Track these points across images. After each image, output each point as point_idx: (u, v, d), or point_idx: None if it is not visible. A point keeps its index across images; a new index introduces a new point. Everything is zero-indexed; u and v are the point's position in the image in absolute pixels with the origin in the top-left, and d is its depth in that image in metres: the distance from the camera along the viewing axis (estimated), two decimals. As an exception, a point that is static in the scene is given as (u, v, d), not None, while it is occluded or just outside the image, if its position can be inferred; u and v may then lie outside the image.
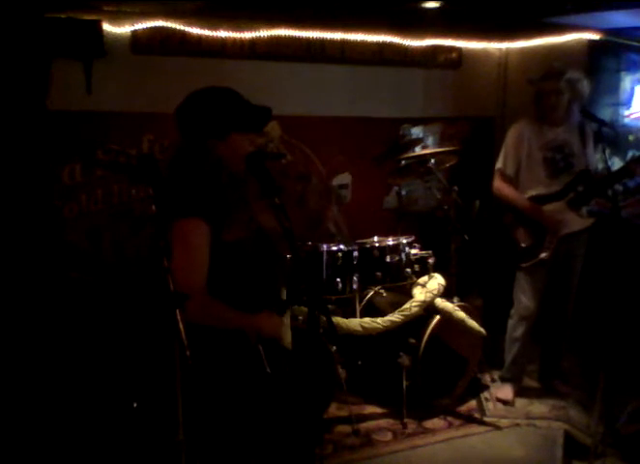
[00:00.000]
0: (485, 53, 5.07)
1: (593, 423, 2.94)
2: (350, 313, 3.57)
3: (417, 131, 4.91)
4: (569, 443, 3.20)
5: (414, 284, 3.63)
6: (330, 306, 3.59)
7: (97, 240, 3.85)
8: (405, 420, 3.38)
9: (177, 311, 1.66)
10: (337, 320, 3.35)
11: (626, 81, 4.63)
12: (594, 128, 3.36)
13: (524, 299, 3.55)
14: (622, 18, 3.94)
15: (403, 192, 3.90)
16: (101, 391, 3.08)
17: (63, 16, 3.46)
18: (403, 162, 3.73)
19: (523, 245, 3.44)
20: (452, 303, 3.53)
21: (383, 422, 3.43)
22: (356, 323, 3.40)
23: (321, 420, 3.19)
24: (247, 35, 4.12)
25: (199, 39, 4.02)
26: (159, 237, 1.75)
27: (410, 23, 4.23)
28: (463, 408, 3.59)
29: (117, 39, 3.76)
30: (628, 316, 3.50)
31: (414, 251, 3.69)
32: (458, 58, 5.02)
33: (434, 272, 3.70)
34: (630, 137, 4.53)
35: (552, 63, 3.43)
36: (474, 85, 5.06)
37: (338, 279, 3.45)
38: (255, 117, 2.16)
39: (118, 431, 2.91)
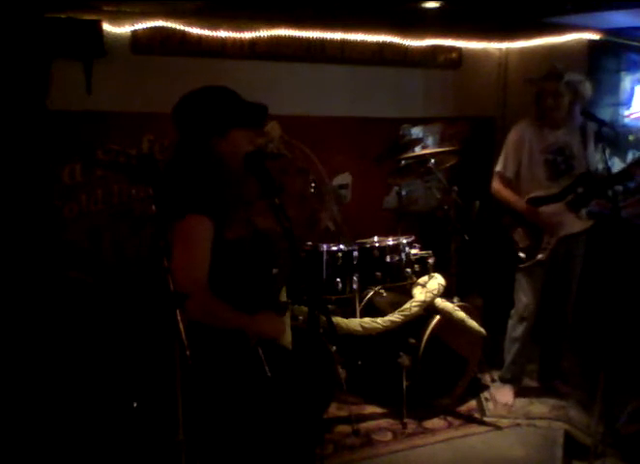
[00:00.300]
0: (485, 53, 5.08)
1: (593, 423, 2.94)
2: (350, 313, 3.57)
3: (417, 131, 4.91)
4: (569, 443, 3.20)
5: (414, 284, 3.63)
6: (330, 306, 3.59)
7: (97, 240, 3.85)
8: (405, 420, 3.38)
9: (177, 311, 1.66)
10: (337, 320, 3.35)
11: (626, 81, 4.63)
12: (594, 128, 3.36)
13: (524, 299, 3.55)
14: (622, 18, 3.94)
15: (403, 192, 3.90)
16: (101, 390, 3.08)
17: (63, 16, 3.46)
18: (403, 162, 3.73)
19: (521, 246, 3.45)
20: (452, 303, 3.53)
21: (383, 422, 3.43)
22: (356, 323, 3.40)
23: (321, 421, 3.18)
24: (247, 35, 4.12)
25: (199, 39, 4.03)
26: (158, 237, 1.75)
27: (410, 23, 4.23)
28: (463, 408, 3.59)
29: (117, 39, 3.76)
30: (628, 316, 3.50)
31: (414, 251, 3.69)
32: (458, 58, 5.03)
33: (434, 272, 3.70)
34: (630, 137, 4.53)
35: (553, 63, 3.42)
36: (474, 85, 5.06)
37: (338, 279, 3.45)
38: (253, 113, 2.17)
39: (118, 431, 2.91)
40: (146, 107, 3.84)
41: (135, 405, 2.92)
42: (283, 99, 4.12)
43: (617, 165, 4.08)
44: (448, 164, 3.88)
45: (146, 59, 3.91)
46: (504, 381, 3.74)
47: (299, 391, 2.22)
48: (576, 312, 3.65)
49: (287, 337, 2.32)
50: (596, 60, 4.52)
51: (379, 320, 3.40)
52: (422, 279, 3.64)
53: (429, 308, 3.47)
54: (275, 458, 2.20)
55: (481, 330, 3.49)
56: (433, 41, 4.75)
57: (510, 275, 3.62)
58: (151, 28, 3.85)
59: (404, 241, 3.64)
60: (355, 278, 3.47)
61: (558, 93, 3.30)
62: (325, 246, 3.47)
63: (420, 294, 3.50)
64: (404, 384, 3.35)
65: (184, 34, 3.97)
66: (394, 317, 3.41)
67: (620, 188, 3.89)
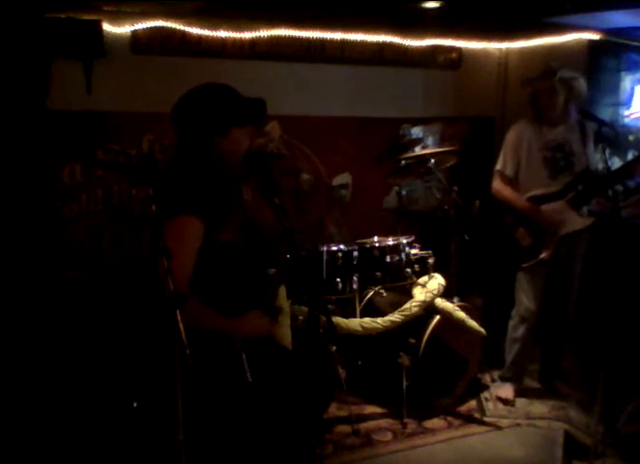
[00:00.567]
0: (485, 53, 5.08)
1: (593, 423, 2.93)
2: (350, 313, 3.57)
3: (417, 131, 4.91)
4: (569, 443, 3.20)
5: (414, 284, 3.63)
6: (330, 306, 3.59)
7: (97, 240, 3.85)
8: (405, 420, 3.38)
9: (177, 311, 1.66)
10: (337, 320, 3.35)
11: (626, 81, 4.63)
12: (594, 127, 3.36)
13: (525, 299, 3.55)
14: (622, 18, 3.94)
15: (403, 192, 3.90)
16: (101, 391, 3.08)
17: (63, 16, 3.46)
18: (403, 162, 3.73)
19: (523, 245, 3.44)
20: (452, 303, 3.53)
21: (383, 422, 3.43)
22: (356, 323, 3.40)
23: (321, 421, 3.18)
24: (247, 35, 4.12)
25: (199, 39, 4.03)
26: (158, 237, 1.75)
27: (410, 23, 4.23)
28: (463, 408, 3.58)
29: (117, 39, 3.76)
30: (629, 316, 3.50)
31: (414, 251, 3.69)
32: (458, 58, 5.02)
33: (434, 272, 3.70)
34: (630, 137, 4.53)
35: (548, 62, 3.42)
36: (474, 85, 5.06)
37: (338, 279, 3.45)
38: (253, 109, 2.16)
39: (118, 431, 2.91)
40: (146, 107, 3.84)
41: (135, 405, 2.92)
42: (283, 99, 4.11)
43: (617, 165, 4.08)
44: (448, 164, 3.88)
45: (146, 59, 3.91)
46: (504, 380, 3.74)
47: (299, 392, 2.22)
48: (576, 312, 3.65)
49: (287, 337, 2.32)
50: (596, 60, 4.52)
51: (379, 320, 3.40)
52: (422, 279, 3.64)
53: (429, 308, 3.47)
54: (274, 459, 2.20)
55: (481, 330, 3.49)
56: (433, 41, 4.75)
57: (511, 275, 3.62)
58: (151, 28, 3.85)
59: (404, 241, 3.64)
60: (355, 278, 3.47)
61: (552, 90, 3.29)
62: (325, 246, 3.47)
63: (420, 294, 3.50)
64: (404, 384, 3.35)
65: (184, 34, 3.97)
66: (394, 317, 3.40)
67: (620, 187, 3.90)
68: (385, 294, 3.75)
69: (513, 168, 3.48)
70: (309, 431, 2.35)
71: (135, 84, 3.88)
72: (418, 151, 3.94)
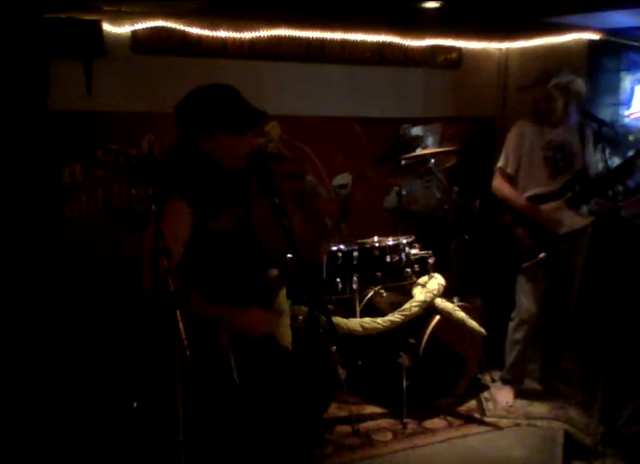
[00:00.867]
0: (485, 53, 5.08)
1: (593, 423, 2.94)
2: (350, 313, 3.57)
3: (417, 131, 4.91)
4: (569, 443, 3.19)
5: (414, 284, 3.63)
6: (330, 306, 3.59)
7: (97, 240, 3.85)
8: (405, 420, 3.38)
9: (177, 311, 1.66)
10: (337, 320, 3.35)
11: (626, 81, 4.64)
12: (594, 128, 3.36)
13: (525, 302, 3.54)
14: (622, 18, 3.94)
15: (403, 192, 3.90)
16: (102, 390, 3.08)
17: (63, 16, 3.46)
18: (403, 162, 3.73)
19: (523, 244, 3.44)
20: (452, 303, 3.52)
21: (383, 422, 3.42)
22: (356, 323, 3.40)
23: (321, 421, 3.18)
24: (247, 35, 4.13)
25: (199, 39, 4.03)
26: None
27: (410, 23, 4.24)
28: (463, 408, 3.58)
29: (117, 38, 3.76)
30: (629, 316, 3.50)
31: (414, 251, 3.69)
32: (458, 58, 5.03)
33: (434, 272, 3.69)
34: (630, 137, 4.53)
35: (544, 68, 3.43)
36: (474, 85, 5.06)
37: (338, 279, 3.45)
38: (242, 119, 2.14)
39: (118, 431, 2.91)
40: (146, 107, 3.85)
41: (135, 405, 2.93)
42: (283, 99, 4.12)
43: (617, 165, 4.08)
44: (448, 164, 3.88)
45: (146, 59, 3.91)
46: (505, 382, 3.73)
47: (299, 392, 2.22)
48: (576, 313, 3.65)
49: (287, 337, 2.32)
50: (596, 60, 4.52)
51: (379, 320, 3.40)
52: (422, 279, 3.64)
53: (429, 308, 3.47)
54: (274, 459, 2.20)
55: (481, 330, 3.49)
56: (433, 41, 4.76)
57: (511, 275, 3.62)
58: (151, 28, 3.85)
59: (404, 241, 3.63)
60: (355, 278, 3.47)
61: (549, 97, 3.30)
62: (325, 247, 3.47)
63: (420, 294, 3.50)
64: (404, 384, 3.35)
65: (184, 34, 3.97)
66: (394, 317, 3.40)
67: (620, 187, 3.90)
68: (385, 294, 3.75)
69: (515, 166, 3.48)
70: (309, 431, 2.35)
71: (135, 84, 3.88)
72: (418, 151, 3.94)
